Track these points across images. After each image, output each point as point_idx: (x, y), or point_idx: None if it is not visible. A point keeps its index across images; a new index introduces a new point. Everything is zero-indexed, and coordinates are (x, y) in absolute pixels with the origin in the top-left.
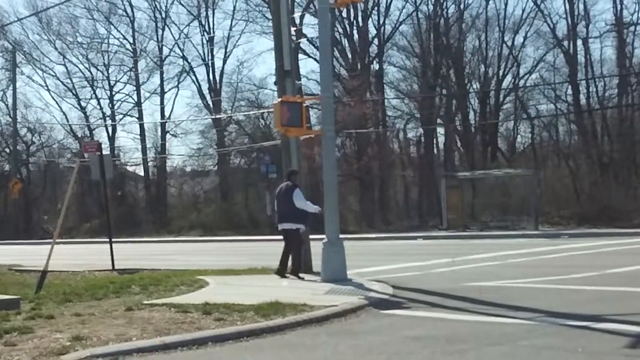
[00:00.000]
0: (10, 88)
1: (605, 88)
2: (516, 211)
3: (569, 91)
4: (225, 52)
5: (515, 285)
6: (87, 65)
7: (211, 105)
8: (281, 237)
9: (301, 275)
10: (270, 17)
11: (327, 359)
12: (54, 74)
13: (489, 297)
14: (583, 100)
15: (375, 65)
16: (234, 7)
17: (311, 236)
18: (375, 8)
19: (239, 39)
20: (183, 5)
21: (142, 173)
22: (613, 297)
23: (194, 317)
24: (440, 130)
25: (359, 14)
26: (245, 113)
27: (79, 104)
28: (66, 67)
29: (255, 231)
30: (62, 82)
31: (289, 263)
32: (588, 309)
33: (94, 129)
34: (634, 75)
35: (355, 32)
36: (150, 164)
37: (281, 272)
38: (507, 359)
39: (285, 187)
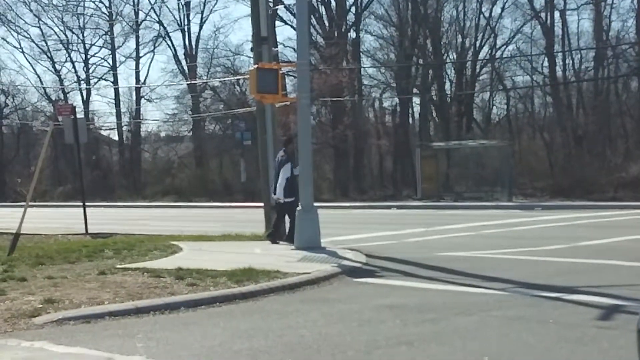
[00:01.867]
0: None
1: (581, 61)
2: (490, 182)
3: (545, 63)
4: (202, 18)
5: (488, 256)
6: (62, 28)
7: (187, 71)
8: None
9: (278, 242)
10: None
11: (298, 326)
12: (28, 36)
13: (462, 267)
14: (559, 73)
15: (352, 34)
16: None
17: None
18: None
19: (215, 4)
20: None
21: (116, 138)
22: (585, 270)
23: (166, 282)
24: (416, 100)
25: None
26: (221, 79)
27: (54, 67)
28: (41, 30)
29: (229, 198)
30: (36, 44)
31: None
32: (560, 281)
33: (69, 93)
34: (611, 49)
35: None
36: (124, 128)
37: (272, 235)
38: (478, 328)
39: (279, 159)
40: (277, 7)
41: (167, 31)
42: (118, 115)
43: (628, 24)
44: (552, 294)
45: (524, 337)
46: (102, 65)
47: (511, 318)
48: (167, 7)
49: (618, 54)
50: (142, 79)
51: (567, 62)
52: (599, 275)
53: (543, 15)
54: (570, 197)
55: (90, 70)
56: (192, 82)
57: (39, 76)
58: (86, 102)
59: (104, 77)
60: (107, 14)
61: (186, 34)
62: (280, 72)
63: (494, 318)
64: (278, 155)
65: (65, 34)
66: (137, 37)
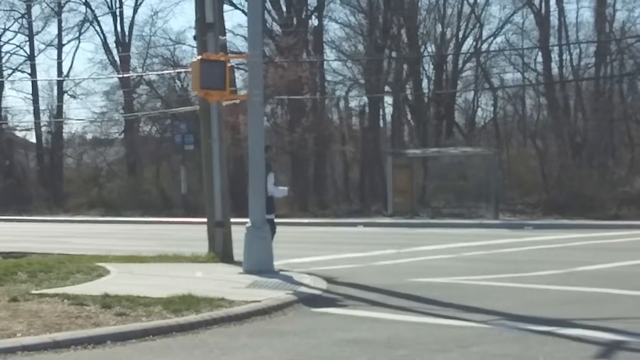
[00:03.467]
0: None
1: (580, 56)
2: (474, 197)
3: (539, 59)
4: (137, 0)
5: (470, 283)
6: None
7: (118, 62)
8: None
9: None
10: None
11: None
12: None
13: (439, 295)
14: (555, 70)
15: (314, 21)
16: None
17: (233, 220)
18: None
19: None
20: None
21: (33, 140)
22: (582, 299)
23: (90, 311)
24: (388, 100)
25: None
26: (159, 72)
27: None
28: None
29: (167, 212)
30: None
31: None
32: (552, 312)
33: None
34: (614, 43)
35: None
36: (43, 129)
37: None
38: None
39: None
40: None
41: (95, 15)
42: (36, 113)
43: (635, 14)
44: (542, 328)
45: None
46: (18, 54)
47: (495, 355)
48: None
49: (623, 48)
50: (65, 71)
51: (564, 57)
52: (597, 305)
53: (537, 2)
54: (566, 215)
55: (3, 60)
56: (125, 75)
57: None
58: None
59: (19, 68)
60: None
61: (118, 18)
62: (229, 64)
63: (475, 355)
64: None
65: None
66: (60, 22)
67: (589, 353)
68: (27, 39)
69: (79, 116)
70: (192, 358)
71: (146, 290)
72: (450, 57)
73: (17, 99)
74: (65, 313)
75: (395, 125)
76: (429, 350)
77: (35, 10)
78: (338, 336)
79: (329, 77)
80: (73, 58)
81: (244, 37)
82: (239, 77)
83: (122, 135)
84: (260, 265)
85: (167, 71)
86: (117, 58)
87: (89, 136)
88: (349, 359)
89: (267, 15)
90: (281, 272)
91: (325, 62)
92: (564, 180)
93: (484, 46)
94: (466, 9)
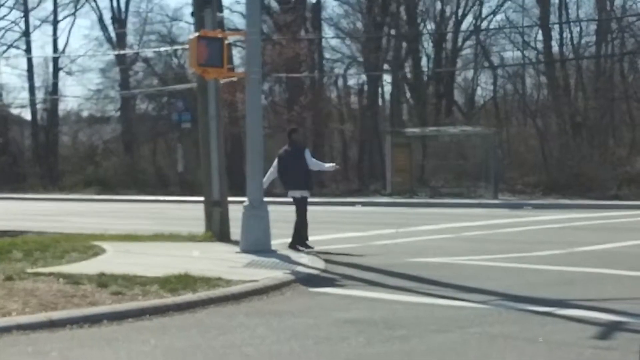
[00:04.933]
0: None
1: (581, 34)
2: (473, 176)
3: (539, 37)
4: None
5: (469, 263)
6: None
7: (114, 39)
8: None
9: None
10: None
11: (243, 344)
12: None
13: (437, 275)
14: (555, 48)
15: None
16: None
17: (230, 198)
18: None
19: None
20: None
21: (28, 117)
22: (582, 280)
23: (86, 290)
24: (387, 78)
25: None
26: (155, 49)
27: None
28: None
29: (163, 190)
30: None
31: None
32: (552, 293)
33: None
34: (615, 21)
35: None
36: (39, 106)
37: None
38: (455, 348)
39: (292, 150)
40: None
41: None
42: (31, 90)
43: None
44: (542, 308)
45: (509, 358)
46: (13, 30)
47: (494, 335)
48: None
49: (624, 27)
50: (60, 47)
51: (564, 35)
52: (598, 286)
53: None
54: (566, 195)
55: None
56: (121, 52)
57: None
58: None
59: (14, 45)
60: None
61: None
62: (226, 42)
63: (474, 336)
64: (285, 148)
65: None
66: None
67: (589, 334)
68: (22, 14)
69: (74, 93)
70: (189, 337)
71: (143, 269)
72: (449, 35)
73: (12, 75)
74: (61, 292)
75: (394, 104)
76: (428, 331)
77: None
78: (336, 316)
79: (327, 55)
80: (69, 34)
81: (241, 14)
82: (237, 54)
83: (119, 113)
84: (258, 244)
85: (164, 48)
86: (113, 35)
87: (85, 114)
88: (347, 339)
89: None
90: (278, 252)
91: (323, 40)
92: (564, 160)
93: (484, 24)
94: None
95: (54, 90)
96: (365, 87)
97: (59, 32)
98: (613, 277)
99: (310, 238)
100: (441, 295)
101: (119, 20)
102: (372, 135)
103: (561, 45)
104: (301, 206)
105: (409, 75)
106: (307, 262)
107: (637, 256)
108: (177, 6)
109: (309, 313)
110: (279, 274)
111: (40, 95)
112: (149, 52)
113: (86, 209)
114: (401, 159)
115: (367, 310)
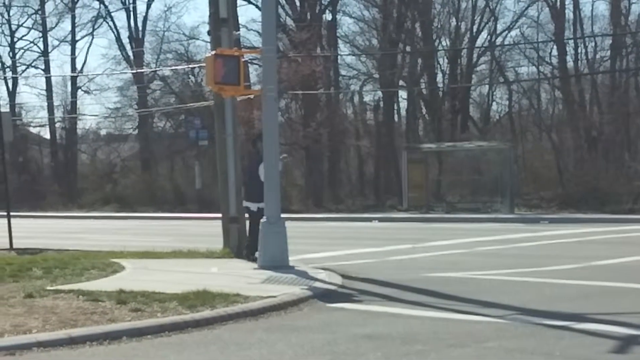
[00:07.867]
0: None
1: (596, 49)
2: (489, 191)
3: (554, 52)
4: None
5: (485, 278)
6: None
7: (132, 58)
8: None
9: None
10: None
11: (262, 359)
12: None
13: (454, 290)
14: (570, 64)
15: (328, 15)
16: None
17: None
18: None
19: None
20: None
21: (47, 136)
22: (598, 294)
23: (106, 307)
24: (403, 94)
25: None
26: (173, 67)
27: None
28: None
29: (181, 208)
30: None
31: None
32: (568, 307)
33: None
34: (630, 36)
35: None
36: (57, 125)
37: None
38: None
39: (248, 159)
40: None
41: (108, 10)
42: (50, 109)
43: None
44: (558, 322)
45: None
46: (32, 50)
47: (511, 350)
48: None
49: (638, 41)
50: (78, 66)
51: (579, 50)
52: (614, 300)
53: None
54: (581, 209)
55: (17, 56)
56: (139, 70)
57: None
58: (12, 94)
59: (33, 64)
60: None
61: (131, 13)
62: (243, 59)
63: (491, 350)
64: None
65: None
66: (73, 17)
67: (606, 348)
68: (40, 35)
69: (93, 112)
70: (208, 353)
71: (161, 286)
72: (464, 51)
73: (31, 95)
74: (80, 309)
75: (409, 120)
76: (445, 346)
77: (49, 6)
78: (353, 331)
79: (343, 72)
80: (87, 54)
81: (257, 32)
82: (253, 72)
83: (136, 131)
84: (275, 260)
85: (181, 66)
86: (130, 53)
87: (103, 132)
88: (364, 355)
89: (280, 10)
90: (296, 268)
91: (339, 57)
92: (579, 175)
93: (499, 40)
94: (480, 3)
95: (72, 109)
96: (381, 104)
97: (77, 52)
98: (630, 291)
99: (328, 254)
100: (458, 310)
101: (137, 39)
102: (388, 151)
103: (576, 60)
104: (259, 218)
105: (424, 91)
106: (324, 277)
107: None
108: (193, 25)
109: (327, 328)
110: (296, 290)
111: (59, 114)
112: (166, 71)
113: (105, 226)
114: (417, 175)
115: (385, 326)
